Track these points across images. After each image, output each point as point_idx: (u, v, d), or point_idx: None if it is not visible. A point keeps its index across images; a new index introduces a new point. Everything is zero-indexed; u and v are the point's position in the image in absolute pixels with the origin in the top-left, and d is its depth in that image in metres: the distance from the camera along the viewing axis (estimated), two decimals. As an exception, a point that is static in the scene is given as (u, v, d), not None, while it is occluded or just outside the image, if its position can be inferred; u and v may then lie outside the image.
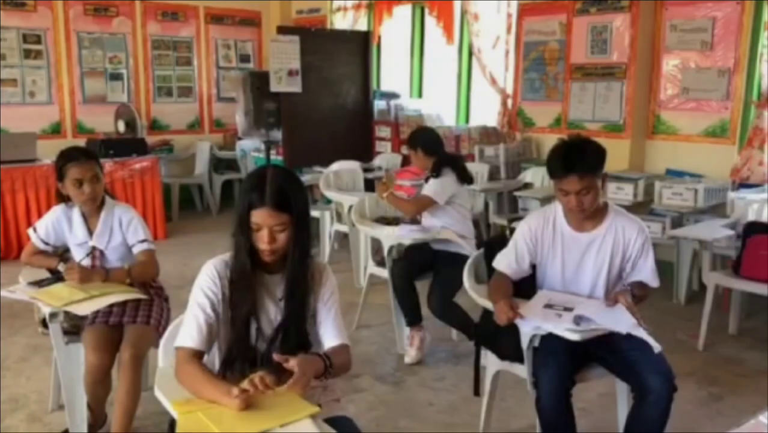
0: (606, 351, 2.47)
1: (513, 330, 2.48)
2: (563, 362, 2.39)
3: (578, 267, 2.63)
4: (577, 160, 2.47)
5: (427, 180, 4.04)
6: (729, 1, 5.02)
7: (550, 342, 2.39)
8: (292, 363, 1.71)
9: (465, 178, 4.03)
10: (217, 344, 1.97)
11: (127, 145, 6.69)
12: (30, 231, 3.04)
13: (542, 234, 2.67)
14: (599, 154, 2.52)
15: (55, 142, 6.74)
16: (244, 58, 8.79)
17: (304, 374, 1.71)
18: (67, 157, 2.90)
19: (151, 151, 6.93)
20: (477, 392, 2.96)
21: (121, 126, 7.14)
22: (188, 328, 1.89)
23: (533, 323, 2.40)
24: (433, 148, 4.05)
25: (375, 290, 4.39)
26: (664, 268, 4.98)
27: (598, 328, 2.35)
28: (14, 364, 3.76)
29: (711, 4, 5.11)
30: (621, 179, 5.11)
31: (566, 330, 2.32)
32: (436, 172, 3.96)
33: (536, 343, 2.46)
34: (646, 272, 2.60)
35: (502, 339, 2.62)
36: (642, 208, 5.01)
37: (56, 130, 7.47)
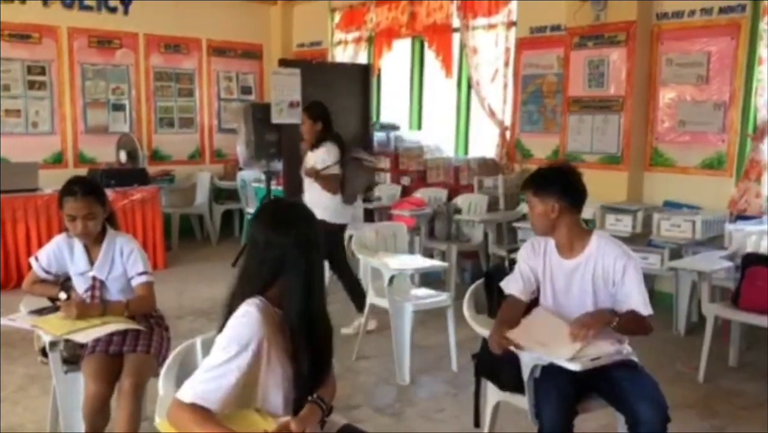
0: (602, 380, 2.47)
1: (513, 361, 2.49)
2: (565, 393, 2.39)
3: (565, 293, 2.65)
4: (532, 178, 2.63)
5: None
6: (723, 36, 5.11)
7: (551, 372, 2.39)
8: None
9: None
10: (261, 390, 1.87)
11: (128, 175, 6.73)
12: (32, 260, 3.03)
13: (534, 261, 2.71)
14: (558, 178, 2.61)
15: (57, 172, 6.78)
16: (246, 90, 8.88)
17: None
18: (66, 190, 2.87)
19: (152, 181, 6.97)
20: (477, 423, 2.95)
21: (123, 156, 7.18)
22: (214, 387, 1.74)
23: (534, 354, 2.41)
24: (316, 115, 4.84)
25: (374, 320, 4.38)
26: (664, 299, 5.00)
27: (599, 358, 2.36)
28: (12, 394, 3.74)
29: (706, 39, 5.20)
30: (619, 211, 5.14)
31: (567, 361, 2.32)
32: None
33: (537, 373, 2.46)
34: (633, 299, 2.55)
35: (503, 370, 2.62)
36: (640, 239, 5.03)
37: (58, 160, 7.52)
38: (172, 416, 1.77)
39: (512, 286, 2.73)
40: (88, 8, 7.58)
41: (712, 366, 4.07)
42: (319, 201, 4.62)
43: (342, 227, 4.89)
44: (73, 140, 7.66)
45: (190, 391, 1.75)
